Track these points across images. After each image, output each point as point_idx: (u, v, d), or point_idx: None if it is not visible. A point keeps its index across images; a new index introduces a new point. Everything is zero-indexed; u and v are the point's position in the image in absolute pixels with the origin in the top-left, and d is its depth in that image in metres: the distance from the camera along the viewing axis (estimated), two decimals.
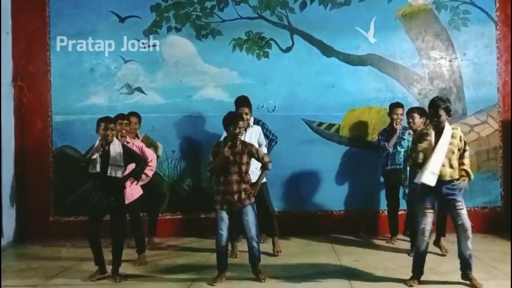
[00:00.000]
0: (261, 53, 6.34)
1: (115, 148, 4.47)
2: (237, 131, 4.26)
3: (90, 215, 4.56)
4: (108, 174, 4.41)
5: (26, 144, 6.34)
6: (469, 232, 4.11)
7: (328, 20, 6.32)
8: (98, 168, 4.40)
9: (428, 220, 4.12)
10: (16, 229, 6.27)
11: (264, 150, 5.25)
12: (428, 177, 4.02)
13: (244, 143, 4.40)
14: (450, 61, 6.35)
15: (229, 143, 4.30)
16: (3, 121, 5.90)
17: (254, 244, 4.38)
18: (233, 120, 4.29)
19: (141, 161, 4.72)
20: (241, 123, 4.30)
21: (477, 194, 6.19)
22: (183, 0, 6.35)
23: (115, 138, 4.52)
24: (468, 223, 4.10)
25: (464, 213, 4.10)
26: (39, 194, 6.32)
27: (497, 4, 6.31)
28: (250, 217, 4.35)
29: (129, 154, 4.57)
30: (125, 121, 5.16)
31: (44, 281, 4.59)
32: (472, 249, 4.16)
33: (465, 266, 4.18)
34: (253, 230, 4.36)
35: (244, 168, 4.32)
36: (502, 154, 6.27)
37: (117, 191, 4.52)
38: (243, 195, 4.32)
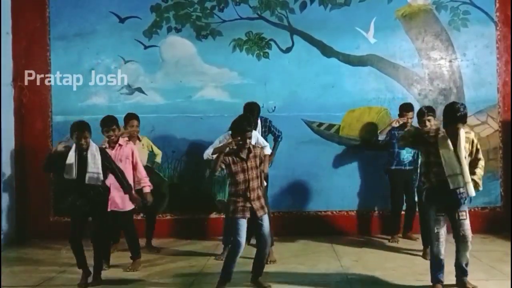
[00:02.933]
0: (261, 54, 6.34)
1: (92, 154, 4.31)
2: (243, 143, 4.09)
3: (73, 218, 4.40)
4: (87, 182, 4.27)
5: (26, 144, 6.34)
6: (470, 243, 4.04)
7: (328, 20, 6.32)
8: (74, 175, 4.25)
9: (441, 224, 4.03)
10: (16, 229, 6.28)
11: (268, 150, 5.17)
12: (471, 188, 3.97)
13: (253, 146, 4.27)
14: (450, 61, 6.35)
15: (239, 153, 4.14)
16: (3, 121, 5.91)
17: (267, 252, 4.30)
18: (241, 130, 4.11)
19: (118, 173, 4.50)
20: (248, 134, 4.11)
21: (477, 194, 6.03)
22: (183, 1, 6.35)
23: (91, 143, 4.35)
24: (470, 234, 4.02)
25: (467, 223, 4.02)
26: (39, 194, 6.33)
27: (497, 5, 6.31)
28: (267, 225, 4.21)
29: (107, 162, 4.40)
30: (136, 123, 5.06)
31: (44, 281, 4.59)
32: (469, 258, 4.13)
33: (461, 273, 4.13)
34: (269, 239, 4.27)
35: (260, 172, 4.20)
36: (502, 154, 6.27)
37: (99, 195, 4.37)
38: (263, 202, 4.18)
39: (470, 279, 4.21)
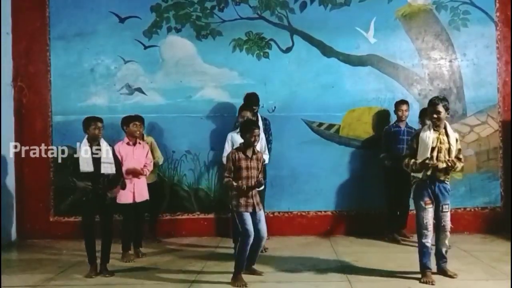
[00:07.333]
0: (261, 54, 6.34)
1: (104, 146, 4.61)
2: (253, 139, 4.33)
3: (86, 212, 4.63)
4: (102, 172, 4.52)
5: (26, 144, 6.32)
6: (448, 232, 4.30)
7: (328, 20, 6.32)
8: (91, 167, 4.49)
9: (430, 215, 4.21)
10: (16, 229, 6.28)
11: (266, 159, 5.33)
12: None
13: (258, 151, 4.54)
14: (450, 61, 6.35)
15: (246, 151, 4.37)
16: (3, 121, 5.90)
17: (262, 245, 4.54)
18: (249, 128, 4.38)
19: (119, 168, 4.75)
20: (256, 131, 4.36)
21: (477, 194, 6.21)
22: (183, 1, 6.35)
23: (102, 139, 4.64)
24: (449, 225, 4.28)
25: (448, 215, 4.28)
26: (39, 194, 6.33)
27: (497, 5, 6.31)
28: (264, 220, 4.47)
29: (113, 155, 4.68)
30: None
31: (44, 281, 4.59)
32: (448, 246, 4.36)
33: (440, 258, 4.32)
34: (266, 233, 4.49)
35: (258, 174, 4.44)
36: (502, 154, 6.27)
37: (110, 188, 4.62)
38: (259, 199, 4.48)
39: (470, 278, 4.25)
